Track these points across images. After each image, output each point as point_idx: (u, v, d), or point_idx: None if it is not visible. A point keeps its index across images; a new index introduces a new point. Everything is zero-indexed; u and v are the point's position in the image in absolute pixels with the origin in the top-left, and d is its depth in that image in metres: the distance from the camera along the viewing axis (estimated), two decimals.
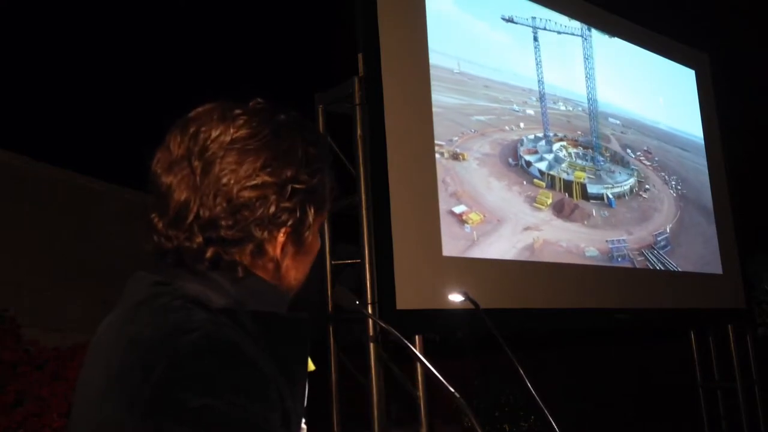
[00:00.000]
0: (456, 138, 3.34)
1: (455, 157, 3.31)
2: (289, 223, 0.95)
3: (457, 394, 1.24)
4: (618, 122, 4.46)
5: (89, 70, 5.64)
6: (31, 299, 4.61)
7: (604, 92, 4.37)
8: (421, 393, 2.92)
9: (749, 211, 5.37)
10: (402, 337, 1.43)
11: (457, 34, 3.56)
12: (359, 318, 3.07)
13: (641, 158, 4.52)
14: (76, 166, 5.46)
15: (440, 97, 3.32)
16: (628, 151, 4.44)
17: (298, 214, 0.95)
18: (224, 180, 0.91)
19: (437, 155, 3.23)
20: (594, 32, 4.40)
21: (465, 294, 2.23)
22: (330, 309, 3.12)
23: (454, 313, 2.94)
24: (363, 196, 3.06)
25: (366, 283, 2.97)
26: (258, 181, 0.92)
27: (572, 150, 4.03)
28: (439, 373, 1.29)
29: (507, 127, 3.64)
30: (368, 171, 3.08)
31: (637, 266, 3.89)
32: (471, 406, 1.20)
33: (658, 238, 4.15)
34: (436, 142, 3.23)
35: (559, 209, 3.64)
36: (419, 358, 1.48)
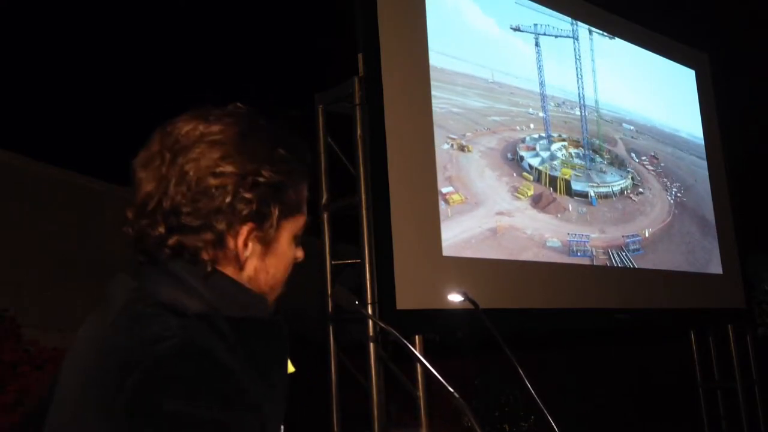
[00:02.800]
0: (469, 134, 3.51)
1: (462, 148, 3.45)
2: (246, 213, 0.94)
3: (456, 394, 1.24)
4: (631, 128, 4.54)
5: (89, 70, 5.64)
6: (31, 299, 4.61)
7: (620, 98, 4.50)
8: (421, 393, 2.92)
9: (749, 211, 5.37)
10: (402, 338, 1.43)
11: (469, 39, 3.68)
12: (359, 318, 3.07)
13: (645, 163, 4.55)
14: (76, 166, 5.45)
15: (467, 101, 3.54)
16: (633, 155, 4.47)
17: (256, 207, 0.95)
18: (186, 168, 0.93)
19: (446, 145, 3.34)
20: (616, 38, 4.55)
21: (464, 294, 2.23)
22: (330, 309, 3.12)
23: (453, 313, 2.95)
24: (363, 196, 3.06)
25: (366, 283, 2.97)
26: (219, 170, 0.93)
27: (573, 150, 4.06)
28: (439, 373, 1.29)
29: (518, 127, 3.80)
30: (368, 171, 3.08)
31: (596, 263, 3.93)
32: (471, 406, 1.20)
33: (628, 241, 4.17)
34: (449, 135, 3.37)
35: (536, 201, 3.74)
36: (419, 358, 1.48)
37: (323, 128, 3.32)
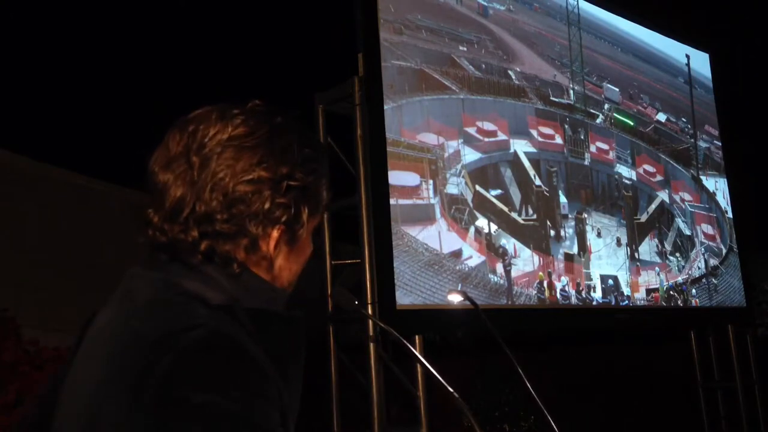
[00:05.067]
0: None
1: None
2: (283, 219, 0.96)
3: (456, 394, 1.24)
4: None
5: (89, 70, 5.64)
6: (31, 299, 4.61)
7: None
8: (421, 393, 2.92)
9: (749, 211, 5.37)
10: (401, 338, 1.43)
11: None
12: (359, 318, 3.07)
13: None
14: (76, 166, 5.46)
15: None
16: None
17: (292, 211, 0.96)
18: (221, 175, 0.92)
19: None
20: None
21: (464, 294, 2.23)
22: (330, 309, 3.12)
23: (453, 313, 2.94)
24: (363, 196, 3.06)
25: (366, 283, 2.97)
26: (254, 176, 0.93)
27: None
28: (438, 373, 1.29)
29: None
30: (368, 171, 3.07)
31: None
32: (471, 406, 1.20)
33: None
34: None
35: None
36: (419, 358, 1.48)
37: (323, 128, 3.32)
